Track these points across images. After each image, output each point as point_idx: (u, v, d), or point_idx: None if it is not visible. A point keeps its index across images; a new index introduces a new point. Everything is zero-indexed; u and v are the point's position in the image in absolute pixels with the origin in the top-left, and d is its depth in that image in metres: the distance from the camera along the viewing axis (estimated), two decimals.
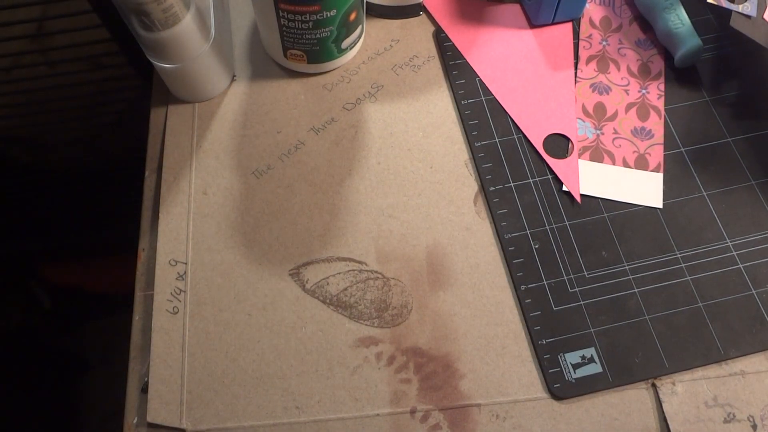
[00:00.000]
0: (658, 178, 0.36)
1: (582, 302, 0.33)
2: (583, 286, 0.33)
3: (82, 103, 0.65)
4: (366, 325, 0.33)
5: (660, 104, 0.39)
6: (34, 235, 0.82)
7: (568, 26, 0.41)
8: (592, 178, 0.36)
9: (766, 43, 0.37)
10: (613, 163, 0.37)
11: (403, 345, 0.32)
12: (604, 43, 0.41)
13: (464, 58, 0.40)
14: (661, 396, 0.31)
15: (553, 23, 0.41)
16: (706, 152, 0.37)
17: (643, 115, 0.38)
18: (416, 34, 0.42)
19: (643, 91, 0.39)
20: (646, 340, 0.32)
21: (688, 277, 0.34)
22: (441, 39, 0.41)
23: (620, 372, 0.31)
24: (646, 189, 0.36)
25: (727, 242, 0.34)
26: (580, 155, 0.37)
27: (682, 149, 0.37)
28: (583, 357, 0.32)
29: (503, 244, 0.35)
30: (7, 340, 0.91)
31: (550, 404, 0.31)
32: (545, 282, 0.34)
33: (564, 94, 0.39)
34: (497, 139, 0.38)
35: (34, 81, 0.60)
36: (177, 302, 0.33)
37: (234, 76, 0.40)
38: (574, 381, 0.31)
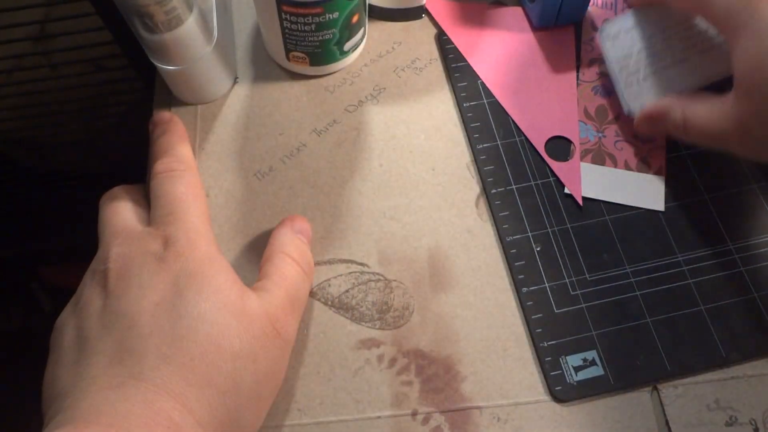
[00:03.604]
0: (660, 181, 0.36)
1: (584, 305, 0.33)
2: (584, 289, 0.33)
3: (85, 105, 0.65)
4: (367, 327, 0.33)
5: None
6: (35, 237, 0.82)
7: (570, 29, 0.41)
8: (594, 181, 0.36)
9: None
10: (615, 166, 0.37)
11: (405, 347, 0.32)
12: None
13: (466, 61, 0.40)
14: (663, 399, 0.31)
15: (555, 26, 0.41)
16: (708, 155, 0.37)
17: None
18: (418, 36, 0.42)
19: None
20: (648, 343, 0.32)
21: (690, 280, 0.34)
22: (443, 41, 0.41)
23: (622, 375, 0.31)
24: (647, 192, 0.36)
25: (729, 245, 0.34)
26: (582, 158, 0.37)
27: (684, 152, 0.37)
28: (584, 360, 0.32)
29: (505, 247, 0.35)
30: (7, 342, 0.91)
31: (552, 407, 0.31)
32: (547, 284, 0.34)
33: (566, 96, 0.39)
34: (499, 142, 0.38)
35: (36, 83, 0.60)
36: None
37: (236, 78, 0.40)
38: (575, 384, 0.31)
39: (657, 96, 0.34)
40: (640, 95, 0.34)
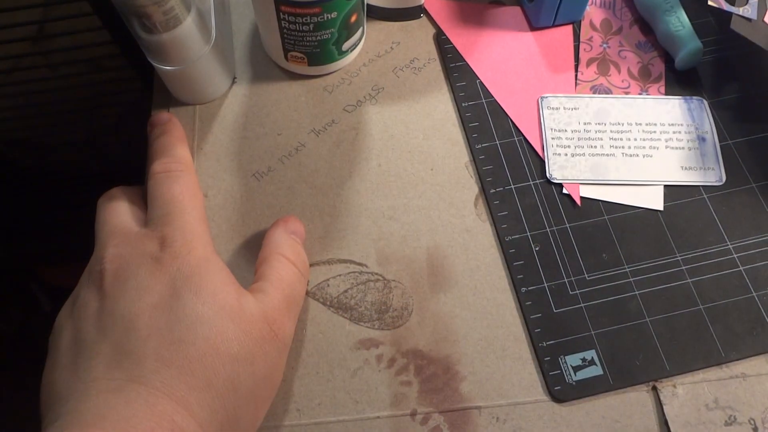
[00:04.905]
0: (659, 181, 0.36)
1: (582, 304, 0.33)
2: (583, 289, 0.33)
3: (83, 105, 0.65)
4: (366, 327, 0.33)
5: None
6: (35, 237, 0.82)
7: (569, 29, 0.41)
8: (593, 180, 0.36)
9: (766, 46, 0.37)
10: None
11: (404, 347, 0.32)
12: (605, 45, 0.41)
13: (465, 61, 0.40)
14: (662, 398, 0.31)
15: (553, 26, 0.41)
16: None
17: None
18: (417, 36, 0.42)
19: (644, 93, 0.39)
20: (647, 343, 0.32)
21: (689, 280, 0.34)
22: (441, 41, 0.41)
23: (621, 374, 0.31)
24: (646, 191, 0.36)
25: (728, 245, 0.34)
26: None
27: None
28: (583, 359, 0.32)
29: (504, 247, 0.35)
30: (7, 342, 0.91)
31: (551, 407, 0.31)
32: (546, 284, 0.34)
33: None
34: (498, 142, 0.38)
35: (35, 83, 0.60)
36: None
37: (235, 78, 0.40)
38: (574, 383, 0.31)
39: (581, 174, 0.36)
40: (565, 168, 0.36)
